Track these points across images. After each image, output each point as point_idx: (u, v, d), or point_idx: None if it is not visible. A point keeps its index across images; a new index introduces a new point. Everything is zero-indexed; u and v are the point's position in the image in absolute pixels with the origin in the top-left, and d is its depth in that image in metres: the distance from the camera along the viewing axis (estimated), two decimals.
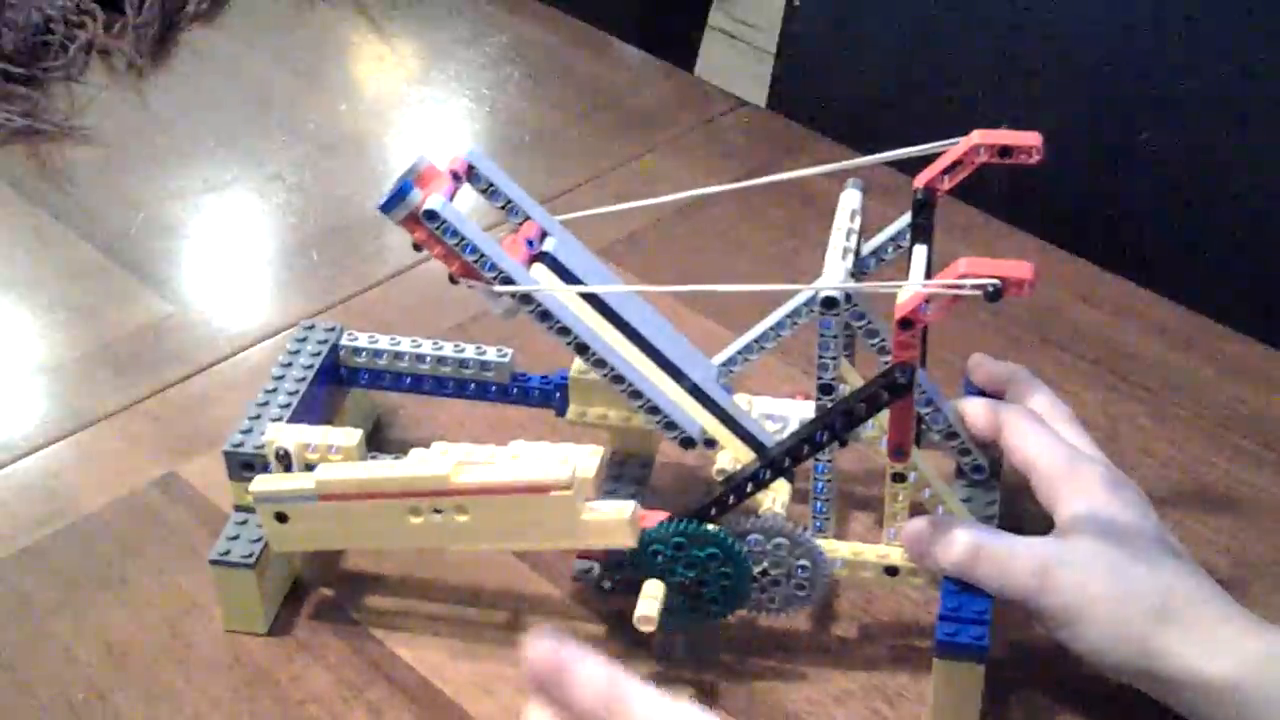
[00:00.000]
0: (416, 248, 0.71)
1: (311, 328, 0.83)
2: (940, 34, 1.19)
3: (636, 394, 0.71)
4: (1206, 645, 0.65)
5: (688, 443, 0.72)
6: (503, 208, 0.74)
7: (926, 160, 0.73)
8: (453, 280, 0.72)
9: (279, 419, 0.77)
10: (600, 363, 0.71)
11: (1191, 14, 1.06)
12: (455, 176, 0.73)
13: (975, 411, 0.75)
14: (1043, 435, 0.72)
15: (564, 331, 0.71)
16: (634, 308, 0.74)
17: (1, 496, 0.86)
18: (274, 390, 0.79)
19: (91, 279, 1.02)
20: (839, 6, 1.25)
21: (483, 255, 0.69)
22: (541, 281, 0.71)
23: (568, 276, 0.72)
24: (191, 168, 1.13)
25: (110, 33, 1.26)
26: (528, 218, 0.74)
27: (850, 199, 0.74)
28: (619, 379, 0.71)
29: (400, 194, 0.69)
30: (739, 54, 2.46)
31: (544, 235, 0.74)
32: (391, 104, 1.22)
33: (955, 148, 0.71)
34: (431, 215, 0.69)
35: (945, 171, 0.72)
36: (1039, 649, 0.74)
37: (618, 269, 1.01)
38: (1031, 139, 0.70)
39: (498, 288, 0.70)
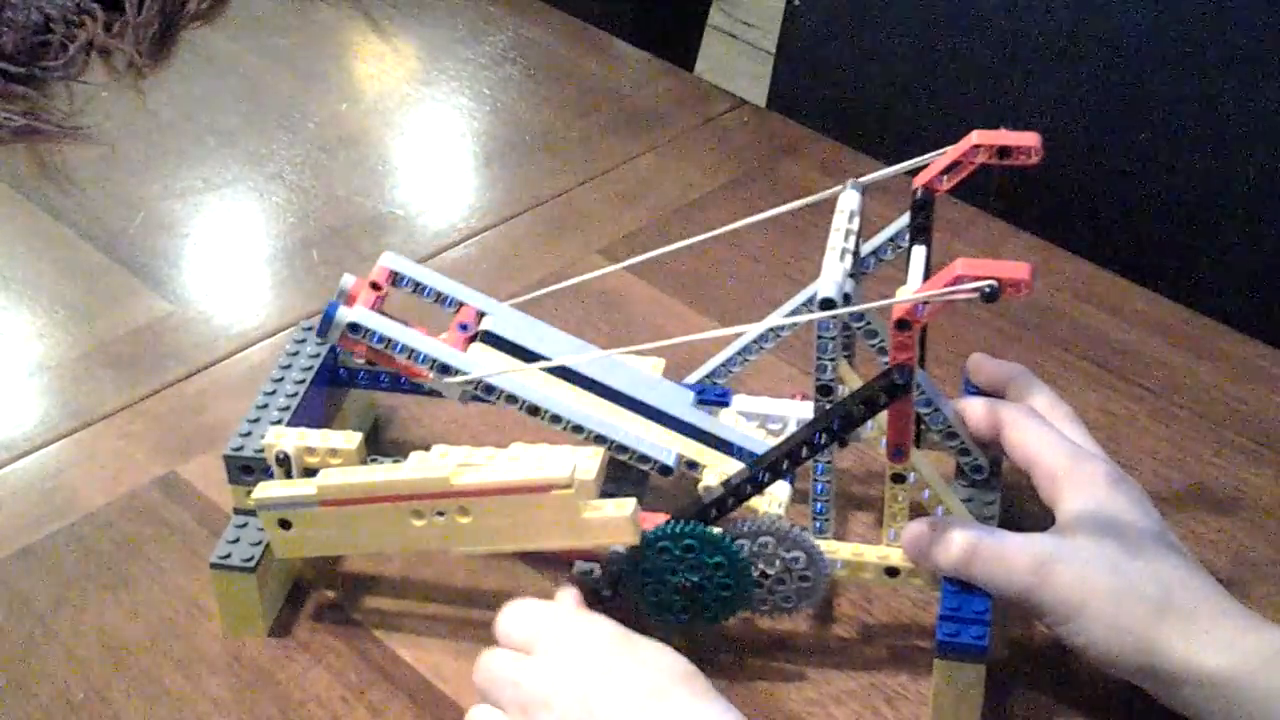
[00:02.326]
0: (370, 364, 0.74)
1: (310, 328, 0.83)
2: (940, 34, 1.19)
3: (600, 439, 0.72)
4: (1205, 641, 0.65)
5: (665, 471, 0.73)
6: (435, 301, 0.78)
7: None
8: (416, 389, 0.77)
9: (278, 421, 0.77)
10: (555, 419, 0.73)
11: (1191, 14, 1.06)
12: (375, 286, 0.77)
13: (975, 411, 0.75)
14: (1044, 433, 0.73)
15: (511, 399, 0.73)
16: (588, 349, 0.76)
17: (1, 496, 0.86)
18: (273, 392, 0.79)
19: (91, 279, 1.02)
20: (839, 6, 1.25)
21: (413, 351, 0.73)
22: (480, 359, 0.74)
23: (508, 347, 0.75)
24: (191, 168, 1.13)
25: (110, 33, 1.26)
26: (462, 304, 0.77)
27: (849, 199, 0.74)
28: (578, 429, 0.73)
29: (328, 317, 0.74)
30: (739, 54, 2.46)
31: (481, 316, 0.77)
32: (391, 104, 1.22)
33: (954, 148, 0.71)
34: (355, 328, 0.73)
35: (944, 172, 0.72)
36: (1039, 649, 0.74)
37: (617, 269, 1.01)
38: (1030, 140, 0.70)
39: (446, 379, 0.73)
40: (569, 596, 0.71)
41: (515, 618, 0.69)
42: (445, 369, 0.73)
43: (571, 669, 0.65)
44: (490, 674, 0.68)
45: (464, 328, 0.76)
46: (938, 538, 0.69)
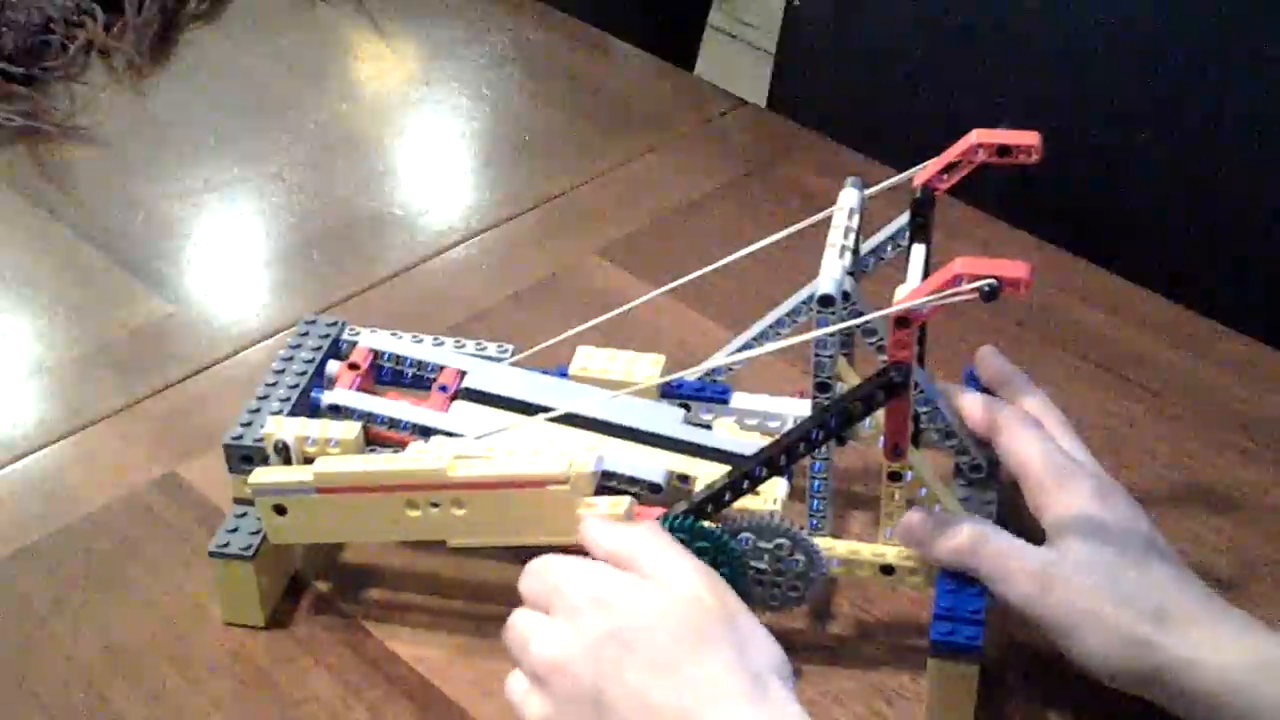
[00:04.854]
0: (369, 441, 0.77)
1: (314, 322, 0.83)
2: (940, 34, 1.19)
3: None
4: (1205, 647, 0.65)
5: (655, 489, 0.73)
6: (417, 372, 0.80)
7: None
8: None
9: (279, 412, 0.77)
10: None
11: (1191, 14, 1.06)
12: (353, 366, 0.80)
13: (971, 406, 0.74)
14: (1036, 441, 0.72)
15: None
16: (573, 390, 0.77)
17: (1, 496, 0.86)
18: (274, 384, 0.79)
19: (91, 279, 1.02)
20: (839, 6, 1.25)
21: (394, 420, 0.76)
22: (461, 416, 0.76)
23: (488, 399, 0.77)
24: (191, 168, 1.13)
25: (110, 33, 1.26)
26: (442, 368, 0.79)
27: (848, 198, 0.74)
28: None
29: (314, 406, 0.78)
30: (739, 54, 2.46)
31: (462, 375, 0.79)
32: (391, 104, 1.22)
33: (954, 147, 0.71)
34: (336, 409, 0.76)
35: (944, 170, 0.72)
36: (1036, 648, 0.74)
37: (616, 269, 1.01)
38: (1030, 138, 0.70)
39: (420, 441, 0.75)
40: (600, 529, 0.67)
41: (533, 573, 0.67)
42: (426, 431, 0.75)
43: (584, 632, 0.63)
44: (510, 635, 0.66)
45: (444, 389, 0.78)
46: (943, 526, 0.69)
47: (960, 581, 0.69)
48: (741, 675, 0.61)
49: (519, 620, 0.66)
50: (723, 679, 0.61)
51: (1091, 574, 0.67)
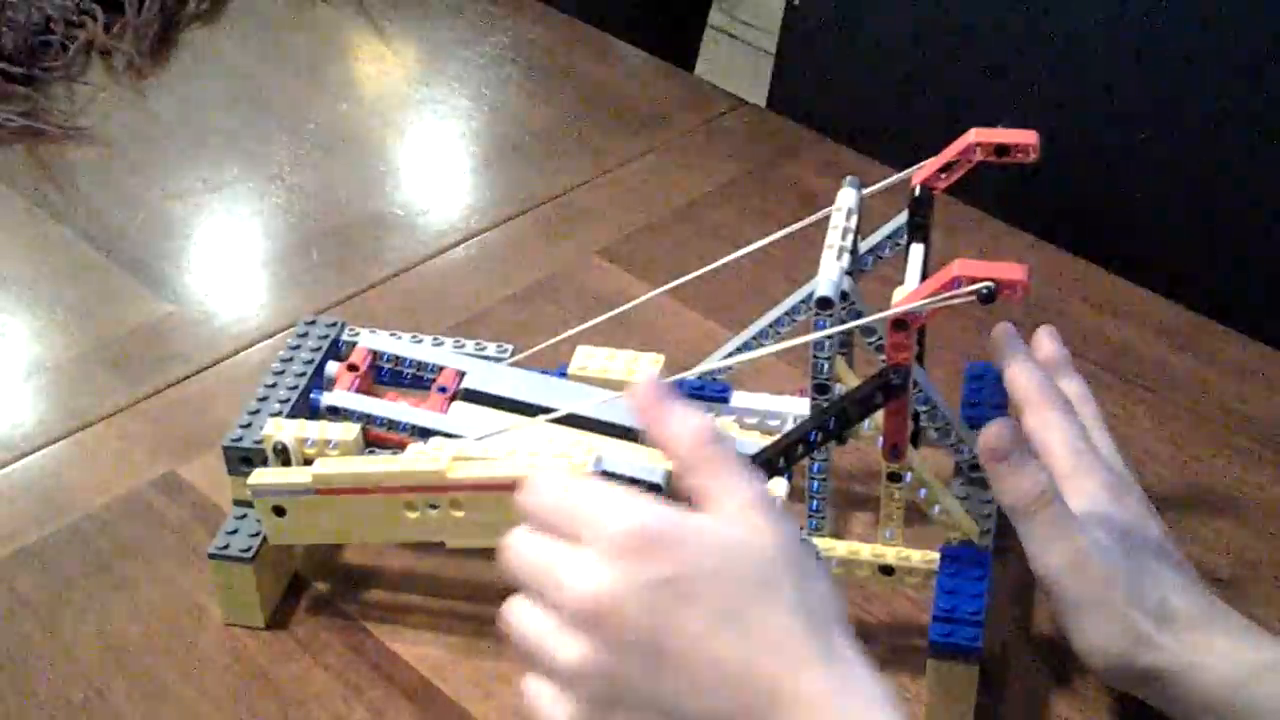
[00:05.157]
0: (368, 442, 0.77)
1: (313, 323, 0.83)
2: (940, 34, 1.19)
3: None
4: (1203, 651, 0.65)
5: (655, 489, 0.72)
6: (416, 373, 0.80)
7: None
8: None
9: (278, 414, 0.77)
10: None
11: (1191, 13, 1.06)
12: (352, 368, 0.80)
13: (1015, 374, 0.73)
14: (1061, 425, 0.71)
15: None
16: (573, 390, 0.77)
17: (1, 496, 0.86)
18: (274, 385, 0.79)
19: (91, 279, 1.02)
20: (839, 6, 1.25)
21: (392, 421, 0.76)
22: (460, 417, 0.76)
23: (488, 400, 0.77)
24: (191, 168, 1.13)
25: (110, 33, 1.26)
26: (441, 368, 0.79)
27: (846, 197, 0.74)
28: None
29: (314, 407, 0.78)
30: (739, 54, 2.46)
31: (461, 375, 0.79)
32: (391, 104, 1.22)
33: (952, 146, 0.71)
34: (334, 410, 0.77)
35: (942, 170, 0.72)
36: (1035, 649, 0.74)
37: (616, 269, 1.01)
38: (1028, 137, 0.70)
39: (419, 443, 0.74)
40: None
41: (546, 491, 0.59)
42: (425, 433, 0.75)
43: (634, 575, 0.55)
44: (527, 560, 0.58)
45: (443, 390, 0.78)
46: (1025, 464, 0.67)
47: (959, 582, 0.69)
48: (807, 627, 0.56)
49: (534, 546, 0.58)
50: (790, 631, 0.56)
51: (1113, 564, 0.67)
